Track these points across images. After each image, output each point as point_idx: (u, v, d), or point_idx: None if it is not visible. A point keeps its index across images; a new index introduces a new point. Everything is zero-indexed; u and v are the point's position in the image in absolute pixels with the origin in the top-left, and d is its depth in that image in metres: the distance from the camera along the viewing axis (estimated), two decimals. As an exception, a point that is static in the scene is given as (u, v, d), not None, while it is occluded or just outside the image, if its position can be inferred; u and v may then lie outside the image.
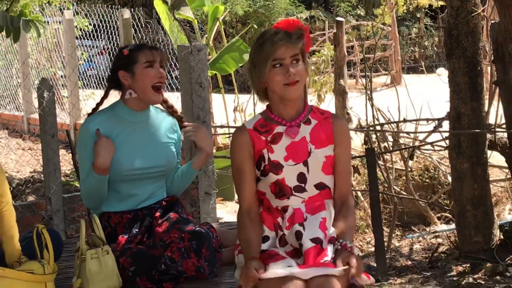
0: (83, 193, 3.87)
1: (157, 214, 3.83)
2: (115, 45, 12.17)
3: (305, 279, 3.09)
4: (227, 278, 3.63)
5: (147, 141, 3.90)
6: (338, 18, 9.69)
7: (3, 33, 4.84)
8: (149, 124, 3.95)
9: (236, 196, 3.80)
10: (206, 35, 10.89)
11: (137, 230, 3.74)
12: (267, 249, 3.28)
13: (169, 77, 10.31)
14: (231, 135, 9.02)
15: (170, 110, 4.07)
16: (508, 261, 5.87)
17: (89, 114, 4.03)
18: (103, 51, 13.51)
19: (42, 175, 7.39)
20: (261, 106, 3.52)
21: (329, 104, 9.52)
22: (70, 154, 4.43)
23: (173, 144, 4.00)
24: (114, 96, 3.98)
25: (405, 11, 19.57)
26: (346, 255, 3.13)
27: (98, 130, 3.76)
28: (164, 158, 3.93)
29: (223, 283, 3.61)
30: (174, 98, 6.78)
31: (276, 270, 3.08)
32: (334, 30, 8.96)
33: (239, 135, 3.40)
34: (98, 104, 4.06)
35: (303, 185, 3.33)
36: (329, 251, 3.22)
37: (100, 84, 13.48)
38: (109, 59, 13.25)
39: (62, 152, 6.08)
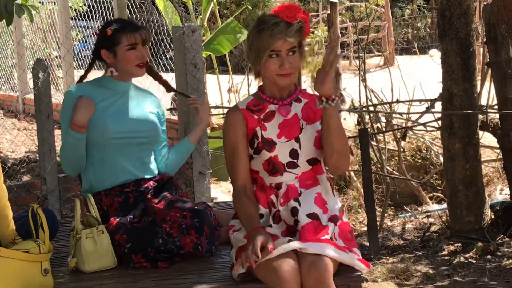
0: (62, 155, 3.89)
1: (149, 196, 3.83)
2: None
3: (302, 252, 3.13)
4: (223, 257, 3.65)
5: (131, 108, 3.94)
6: (332, 0, 9.64)
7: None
8: (132, 95, 4.00)
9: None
10: (201, 16, 10.85)
11: (131, 217, 3.74)
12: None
13: (163, 57, 10.32)
14: (224, 116, 9.02)
15: (164, 84, 4.11)
16: (499, 241, 5.89)
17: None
18: (97, 33, 13.47)
19: (37, 155, 7.39)
20: (254, 88, 3.54)
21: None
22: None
23: (156, 116, 4.03)
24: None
25: (399, -7, 19.62)
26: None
27: (81, 95, 3.78)
28: (147, 125, 3.96)
29: (218, 262, 3.64)
30: (169, 79, 6.76)
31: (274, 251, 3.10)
32: (328, 11, 8.93)
33: (232, 115, 3.44)
34: (82, 77, 4.09)
35: (295, 161, 3.37)
36: (330, 230, 3.24)
37: (95, 65, 13.44)
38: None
39: (57, 132, 6.06)
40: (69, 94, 3.89)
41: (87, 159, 3.86)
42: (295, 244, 3.14)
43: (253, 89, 3.58)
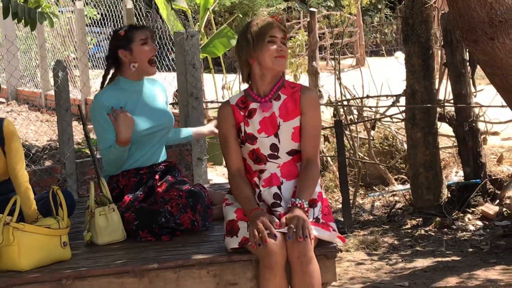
0: (105, 161, 3.83)
1: (157, 176, 3.83)
2: (120, 31, 12.07)
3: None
4: (216, 231, 3.65)
5: (149, 105, 3.91)
6: (311, 9, 9.64)
7: (22, 22, 4.81)
8: (147, 91, 3.95)
9: (224, 162, 3.81)
10: (198, 23, 10.83)
11: (141, 192, 3.74)
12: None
13: (166, 59, 10.28)
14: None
15: None
16: (454, 216, 5.91)
17: (99, 91, 4.02)
18: (109, 38, 13.43)
19: (57, 143, 7.36)
20: (244, 85, 3.54)
21: (303, 82, 9.50)
22: (82, 126, 4.40)
23: (166, 103, 4.04)
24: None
25: (368, 2, 19.58)
26: (292, 215, 3.15)
27: (113, 108, 3.74)
28: (166, 117, 3.95)
29: (212, 235, 3.63)
30: (171, 77, 6.73)
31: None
32: (308, 19, 8.92)
33: (223, 109, 3.45)
34: (103, 82, 4.03)
35: (276, 153, 3.37)
36: (310, 214, 3.24)
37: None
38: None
39: (74, 123, 6.06)
40: (100, 105, 3.78)
41: None
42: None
43: (243, 86, 3.57)
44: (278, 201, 3.30)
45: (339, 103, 7.60)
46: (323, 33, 19.85)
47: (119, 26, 12.13)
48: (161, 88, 4.09)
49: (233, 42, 10.06)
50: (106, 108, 3.75)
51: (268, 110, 3.35)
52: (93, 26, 13.76)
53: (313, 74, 8.73)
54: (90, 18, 13.18)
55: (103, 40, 13.92)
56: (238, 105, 3.40)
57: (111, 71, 3.97)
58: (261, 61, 3.34)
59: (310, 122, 3.37)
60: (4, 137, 3.69)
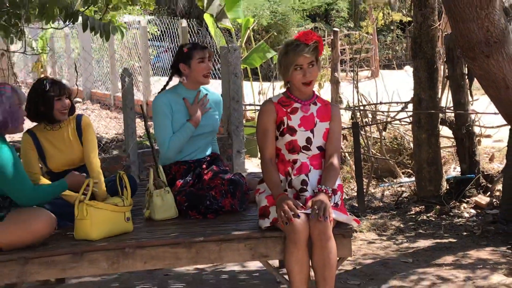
0: (173, 145, 3.79)
1: (204, 165, 3.84)
2: (176, 45, 12.14)
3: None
4: (252, 212, 3.67)
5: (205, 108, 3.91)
6: (334, 29, 9.59)
7: (98, 34, 4.86)
8: (202, 101, 3.93)
9: (259, 154, 3.82)
10: (240, 39, 10.84)
11: (190, 178, 3.76)
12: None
13: (213, 68, 10.32)
14: (256, 110, 9.02)
15: None
16: (452, 205, 5.85)
17: (158, 93, 4.04)
18: (167, 50, 13.52)
19: (123, 136, 7.44)
20: (277, 91, 3.57)
21: (326, 90, 9.47)
22: (143, 122, 4.45)
23: (217, 113, 4.01)
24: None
25: (383, 24, 19.38)
26: (317, 198, 3.18)
27: (185, 99, 3.82)
28: (210, 121, 3.93)
29: (249, 215, 3.65)
30: (217, 84, 6.76)
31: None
32: (331, 37, 8.87)
33: (268, 105, 3.46)
34: (165, 86, 4.06)
35: (309, 145, 3.39)
36: (331, 200, 3.26)
37: (164, 73, 13.49)
38: (171, 56, 13.25)
39: (137, 120, 6.10)
40: (162, 103, 3.82)
41: None
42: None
43: (276, 92, 3.60)
44: (305, 187, 3.32)
45: (356, 108, 7.56)
46: (344, 49, 19.73)
47: (176, 41, 12.21)
48: (217, 100, 4.05)
49: (268, 55, 10.08)
50: (167, 105, 3.78)
51: (307, 111, 3.40)
52: (154, 40, 13.88)
53: (335, 83, 8.68)
54: (151, 34, 13.29)
55: (162, 52, 14.03)
56: (281, 103, 3.42)
57: (173, 78, 4.01)
58: (292, 82, 3.38)
59: (336, 128, 3.45)
60: (82, 130, 3.74)
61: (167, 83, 4.06)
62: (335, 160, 3.39)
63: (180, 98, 3.85)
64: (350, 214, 3.36)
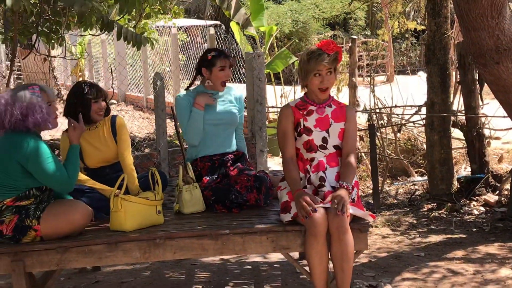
0: (188, 130, 3.87)
1: (228, 164, 3.86)
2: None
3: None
4: (274, 207, 3.66)
5: (218, 105, 3.95)
6: (352, 36, 9.53)
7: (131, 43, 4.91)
8: (217, 97, 3.98)
9: (280, 153, 3.83)
10: (264, 46, 10.84)
11: (216, 176, 3.77)
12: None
13: (239, 73, 10.34)
14: (278, 113, 9.02)
15: None
16: (462, 203, 5.80)
17: (185, 89, 4.10)
18: (195, 56, 13.58)
19: (154, 135, 7.49)
20: (298, 94, 3.59)
21: (344, 94, 9.44)
22: (173, 123, 4.45)
23: (236, 108, 4.03)
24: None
25: (398, 32, 19.25)
26: (337, 193, 3.19)
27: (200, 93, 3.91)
28: (227, 115, 3.96)
29: (271, 210, 3.65)
30: (242, 88, 6.77)
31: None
32: (349, 44, 8.83)
33: (286, 110, 3.49)
34: (189, 86, 4.13)
35: (325, 144, 3.40)
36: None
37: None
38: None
39: (168, 121, 6.12)
40: (183, 99, 3.91)
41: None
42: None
43: (297, 95, 3.62)
44: (323, 183, 3.32)
45: (372, 111, 7.53)
46: (361, 55, 19.66)
47: (204, 47, 12.25)
48: (236, 96, 4.08)
49: (290, 61, 10.07)
50: (187, 100, 3.86)
51: (322, 113, 3.41)
52: (184, 46, 13.94)
53: (352, 87, 8.62)
54: (181, 41, 13.35)
55: (191, 58, 14.08)
56: (298, 107, 3.45)
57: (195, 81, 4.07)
58: (309, 88, 3.39)
59: (351, 128, 3.45)
60: (116, 129, 3.77)
61: (191, 84, 4.13)
62: (352, 159, 3.39)
63: None
64: (366, 210, 3.35)
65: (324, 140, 3.40)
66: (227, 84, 4.00)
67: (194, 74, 4.09)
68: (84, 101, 3.66)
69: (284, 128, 3.44)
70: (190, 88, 4.09)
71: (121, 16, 5.62)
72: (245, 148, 4.13)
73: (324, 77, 3.33)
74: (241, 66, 9.62)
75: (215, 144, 3.92)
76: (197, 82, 4.14)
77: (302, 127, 3.39)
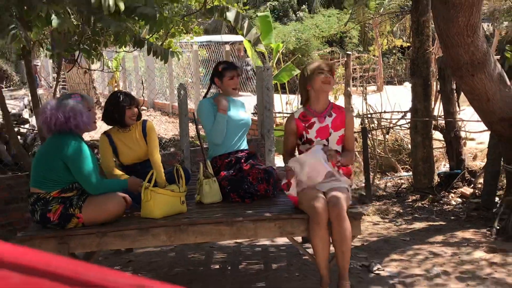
0: (213, 132, 3.85)
1: (242, 160, 3.86)
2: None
3: (329, 195, 3.20)
4: (281, 198, 3.66)
5: (234, 109, 3.96)
6: (347, 52, 9.51)
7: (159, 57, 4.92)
8: (233, 103, 4.00)
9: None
10: (272, 60, 10.84)
11: (232, 171, 3.77)
12: None
13: (250, 83, 10.34)
14: (283, 117, 9.02)
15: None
16: (442, 194, 5.77)
17: (203, 98, 4.14)
18: (214, 67, 13.61)
19: (178, 137, 7.51)
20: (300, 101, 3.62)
21: (340, 102, 9.41)
22: (194, 126, 4.48)
23: (246, 113, 4.09)
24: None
25: (387, 48, 19.14)
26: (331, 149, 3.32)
27: (216, 98, 3.92)
28: (243, 116, 4.00)
29: (279, 201, 3.65)
30: (254, 97, 6.78)
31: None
32: (345, 59, 8.80)
33: (290, 120, 3.52)
34: (206, 93, 4.16)
35: None
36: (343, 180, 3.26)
37: (212, 87, 13.56)
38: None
39: (190, 124, 6.14)
40: (204, 104, 3.93)
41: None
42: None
43: (299, 101, 3.65)
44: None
45: (364, 116, 7.50)
46: (355, 68, 19.57)
47: (220, 61, 12.27)
48: (242, 104, 4.14)
49: (294, 73, 10.06)
50: (208, 106, 3.87)
51: (323, 122, 3.38)
52: (203, 61, 13.97)
53: (348, 96, 8.58)
54: (201, 56, 13.38)
55: (209, 71, 14.13)
56: (300, 118, 3.44)
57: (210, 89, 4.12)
58: (314, 86, 3.36)
59: (350, 131, 3.47)
60: (146, 132, 3.79)
61: (207, 91, 4.17)
62: (352, 153, 3.48)
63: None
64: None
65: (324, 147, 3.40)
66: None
67: (209, 83, 4.12)
68: (120, 108, 3.68)
69: (287, 134, 3.49)
70: (207, 96, 4.11)
71: (151, 35, 5.63)
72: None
73: (326, 73, 3.33)
74: (253, 77, 9.61)
75: (232, 143, 3.93)
76: (213, 90, 4.17)
77: (305, 138, 3.42)
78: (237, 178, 3.64)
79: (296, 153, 3.58)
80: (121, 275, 0.49)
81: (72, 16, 3.95)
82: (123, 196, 3.31)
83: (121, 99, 3.69)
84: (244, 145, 4.01)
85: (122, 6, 3.74)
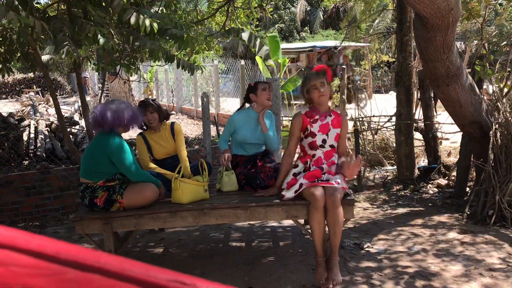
0: (219, 143, 3.81)
1: (259, 157, 3.83)
2: (237, 78, 12.19)
3: (326, 186, 3.15)
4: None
5: (253, 128, 3.80)
6: (343, 66, 9.46)
7: (186, 70, 4.93)
8: (255, 120, 3.83)
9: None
10: (279, 73, 10.81)
11: (249, 166, 3.75)
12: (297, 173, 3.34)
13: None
14: (289, 120, 8.99)
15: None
16: (421, 185, 5.73)
17: (237, 110, 3.94)
18: (230, 80, 13.61)
19: (202, 136, 7.52)
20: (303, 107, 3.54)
21: (336, 108, 9.38)
22: (215, 127, 4.48)
23: (269, 125, 3.84)
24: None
25: (375, 63, 19.00)
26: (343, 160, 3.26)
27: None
28: (260, 137, 3.80)
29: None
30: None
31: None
32: (341, 72, 8.75)
33: (298, 116, 3.44)
34: (240, 108, 3.97)
35: (324, 144, 3.35)
36: (339, 181, 3.22)
37: (229, 95, 13.56)
38: (233, 85, 13.32)
39: (211, 126, 6.15)
40: (232, 117, 3.79)
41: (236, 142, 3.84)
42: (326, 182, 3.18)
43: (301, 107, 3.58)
44: (323, 171, 3.29)
45: (357, 119, 7.46)
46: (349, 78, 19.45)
47: (236, 74, 12.26)
48: (270, 115, 3.88)
49: (298, 83, 10.02)
50: (232, 121, 3.75)
51: (324, 120, 3.36)
52: (222, 73, 13.98)
53: (343, 102, 8.57)
54: (220, 69, 13.39)
55: (227, 82, 14.12)
56: (307, 115, 3.39)
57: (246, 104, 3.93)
58: (313, 99, 3.35)
59: (345, 130, 3.41)
60: (174, 132, 3.81)
61: (242, 106, 3.97)
62: (345, 153, 3.41)
63: (249, 117, 3.78)
64: (346, 188, 3.29)
65: (324, 141, 3.37)
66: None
67: (244, 99, 3.90)
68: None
69: (294, 130, 3.41)
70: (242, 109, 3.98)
71: (179, 52, 5.66)
72: (276, 143, 3.88)
73: (319, 88, 3.27)
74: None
75: (251, 150, 3.84)
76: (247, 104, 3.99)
77: (309, 131, 3.37)
78: (251, 174, 3.63)
79: (296, 155, 3.55)
80: (162, 271, 0.49)
81: (114, 36, 3.97)
82: (159, 187, 3.33)
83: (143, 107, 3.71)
84: (262, 149, 3.91)
85: (156, 27, 3.76)
